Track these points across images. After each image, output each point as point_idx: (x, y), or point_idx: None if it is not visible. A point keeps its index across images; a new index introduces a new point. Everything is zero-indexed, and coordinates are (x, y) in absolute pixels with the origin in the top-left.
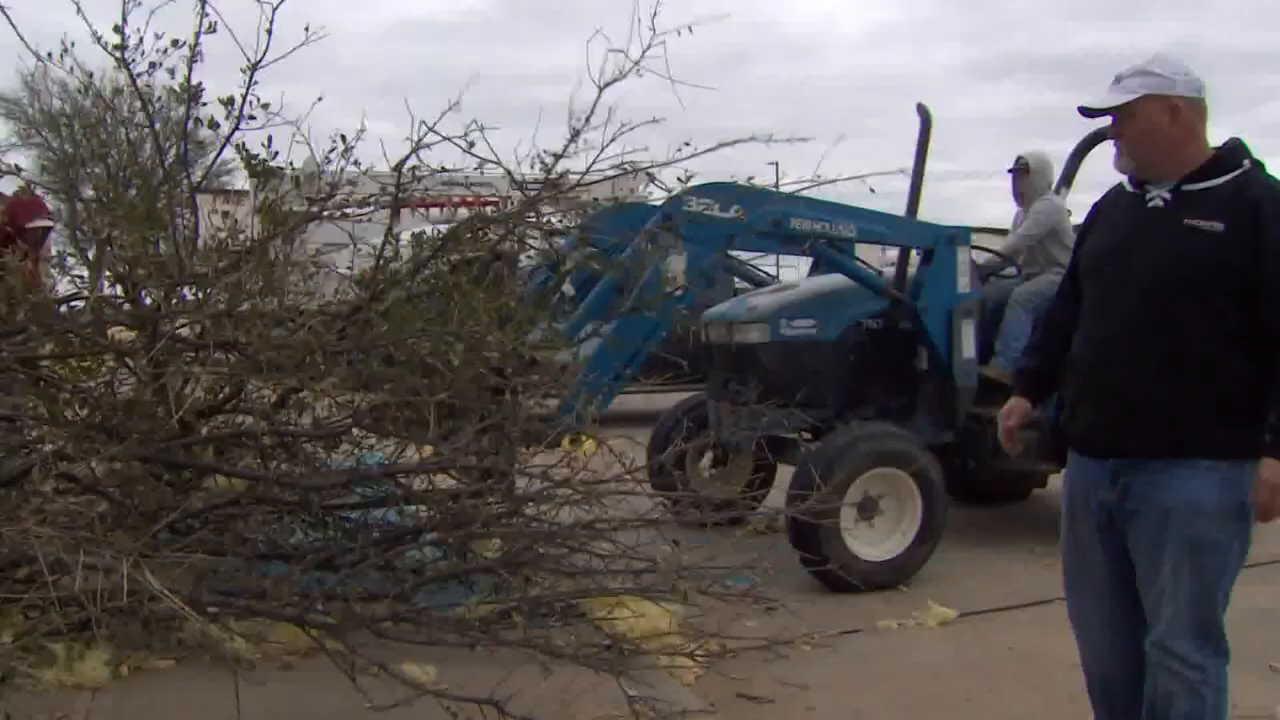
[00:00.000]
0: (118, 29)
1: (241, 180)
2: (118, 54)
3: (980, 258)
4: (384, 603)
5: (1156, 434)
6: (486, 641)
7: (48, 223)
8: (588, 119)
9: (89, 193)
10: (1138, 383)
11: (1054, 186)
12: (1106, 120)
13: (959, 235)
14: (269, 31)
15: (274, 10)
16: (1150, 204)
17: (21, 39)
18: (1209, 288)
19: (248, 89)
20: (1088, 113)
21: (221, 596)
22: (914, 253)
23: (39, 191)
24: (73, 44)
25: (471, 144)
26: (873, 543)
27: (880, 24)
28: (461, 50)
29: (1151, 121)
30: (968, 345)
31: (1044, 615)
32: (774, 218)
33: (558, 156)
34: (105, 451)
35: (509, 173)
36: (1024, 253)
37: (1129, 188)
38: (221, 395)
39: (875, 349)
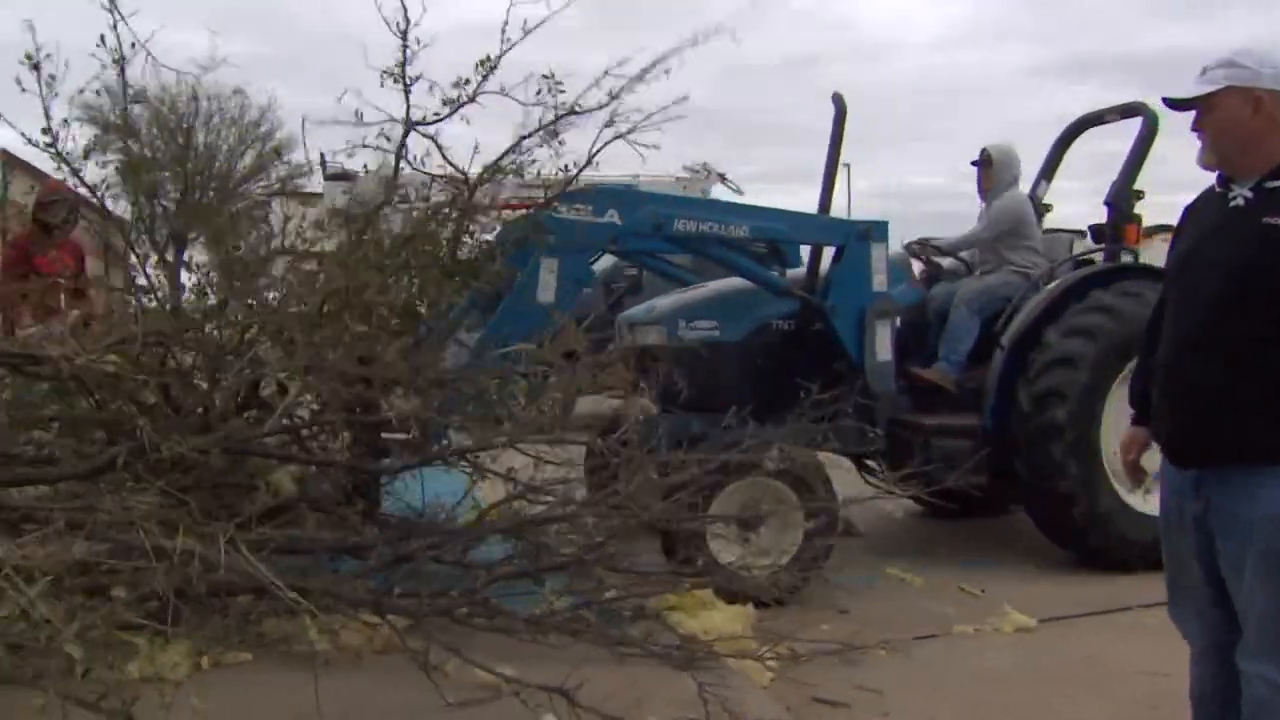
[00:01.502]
0: (46, 130)
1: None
2: (51, 149)
3: (945, 260)
4: (458, 595)
5: (1230, 441)
6: (559, 635)
7: (56, 196)
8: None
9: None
10: (1209, 389)
11: (1018, 180)
12: (1119, 112)
13: (873, 231)
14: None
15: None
16: (1232, 203)
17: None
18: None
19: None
20: (1172, 104)
21: (298, 588)
22: None
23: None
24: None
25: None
26: (753, 554)
27: (953, 24)
28: (531, 53)
29: (1233, 113)
30: (882, 347)
31: (1122, 622)
32: (655, 221)
33: (402, 65)
34: (186, 442)
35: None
36: (976, 251)
37: (1217, 188)
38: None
39: (787, 352)
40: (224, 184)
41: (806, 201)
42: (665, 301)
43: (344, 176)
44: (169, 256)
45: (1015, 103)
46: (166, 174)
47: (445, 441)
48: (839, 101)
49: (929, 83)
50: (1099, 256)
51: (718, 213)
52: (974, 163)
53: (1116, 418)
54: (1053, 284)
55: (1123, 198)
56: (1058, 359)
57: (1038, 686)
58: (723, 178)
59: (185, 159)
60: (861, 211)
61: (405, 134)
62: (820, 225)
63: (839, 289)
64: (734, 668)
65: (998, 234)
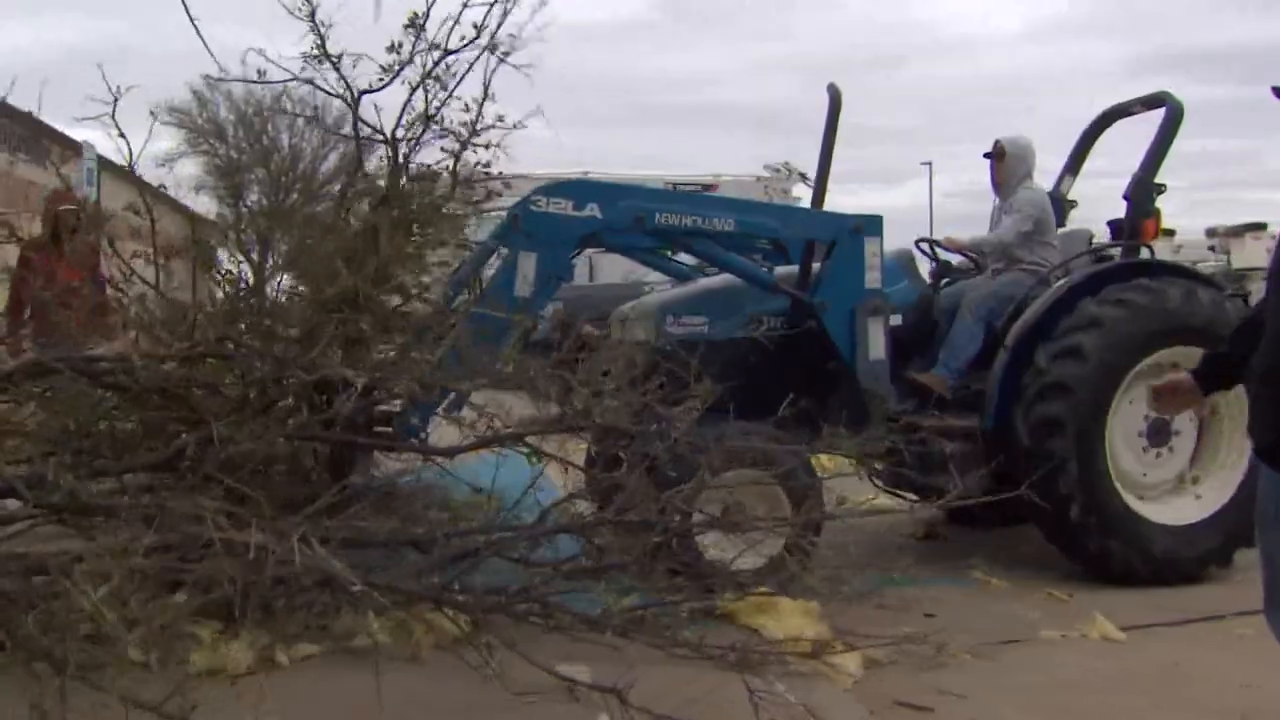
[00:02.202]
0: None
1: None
2: None
3: (955, 257)
4: (516, 592)
5: None
6: (616, 635)
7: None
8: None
9: (253, 198)
10: None
11: (1032, 173)
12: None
13: (866, 226)
14: None
15: None
16: None
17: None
18: None
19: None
20: None
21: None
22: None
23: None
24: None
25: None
26: (741, 552)
27: (1038, 21)
28: (618, 54)
29: None
30: (875, 346)
31: (1215, 631)
32: (635, 214)
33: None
34: (254, 430)
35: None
36: (1001, 251)
37: None
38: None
39: (780, 349)
40: (308, 185)
41: (889, 200)
42: (654, 297)
43: (425, 177)
44: (254, 256)
45: (1100, 100)
46: (252, 176)
47: (424, 436)
48: (833, 93)
49: (1012, 81)
50: (1118, 253)
51: (702, 207)
52: (986, 155)
53: (1122, 421)
54: (1060, 281)
55: (1142, 192)
56: (1062, 356)
57: (1126, 695)
58: (804, 177)
59: (269, 161)
60: (942, 211)
61: (356, 105)
62: (811, 220)
63: (830, 285)
64: (816, 670)
65: (1035, 223)
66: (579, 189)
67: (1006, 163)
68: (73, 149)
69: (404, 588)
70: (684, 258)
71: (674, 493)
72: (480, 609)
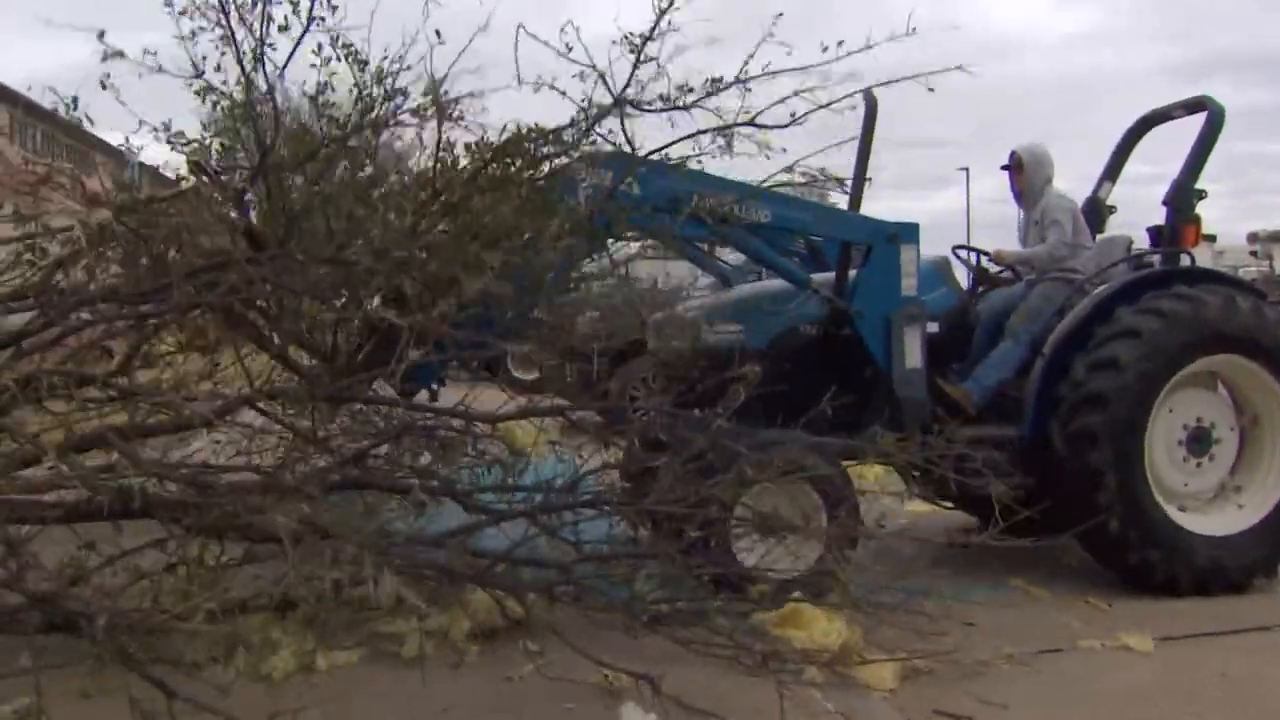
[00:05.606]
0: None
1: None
2: None
3: (994, 266)
4: (555, 574)
5: None
6: (647, 628)
7: None
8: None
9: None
10: None
11: (1052, 180)
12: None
13: (902, 233)
14: None
15: None
16: None
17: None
18: None
19: None
20: None
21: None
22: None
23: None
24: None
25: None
26: (778, 558)
27: (1081, 25)
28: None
29: None
30: (912, 354)
31: (1260, 641)
32: (671, 194)
33: (645, 38)
34: (289, 393)
35: (601, 76)
36: (1052, 263)
37: None
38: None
39: (815, 357)
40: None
41: (931, 206)
42: (691, 304)
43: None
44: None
45: (1148, 103)
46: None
47: (435, 387)
48: (869, 99)
49: (1059, 85)
50: (1158, 260)
51: (741, 194)
52: (1004, 167)
53: (1162, 430)
54: (1098, 289)
55: (1182, 197)
56: (1099, 367)
57: (1168, 704)
58: (840, 183)
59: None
60: (981, 217)
61: (611, 106)
62: (847, 221)
63: (865, 292)
64: (854, 678)
65: (1071, 236)
66: (620, 162)
67: (1025, 172)
68: (117, 158)
69: (445, 566)
70: (727, 257)
71: (711, 484)
72: (520, 590)
